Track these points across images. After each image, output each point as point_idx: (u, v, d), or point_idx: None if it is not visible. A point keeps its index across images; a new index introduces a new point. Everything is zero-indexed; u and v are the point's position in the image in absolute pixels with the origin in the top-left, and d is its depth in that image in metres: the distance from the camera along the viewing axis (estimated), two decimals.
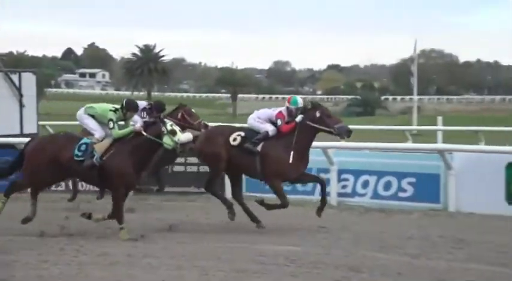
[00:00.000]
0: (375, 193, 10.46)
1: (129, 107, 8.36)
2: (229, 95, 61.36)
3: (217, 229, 8.66)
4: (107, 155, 7.99)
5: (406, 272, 6.51)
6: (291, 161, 8.32)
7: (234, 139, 8.57)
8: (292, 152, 8.35)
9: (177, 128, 8.03)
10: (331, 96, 73.78)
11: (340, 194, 10.56)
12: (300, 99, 8.78)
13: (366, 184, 10.53)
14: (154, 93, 55.75)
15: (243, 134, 8.60)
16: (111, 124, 8.16)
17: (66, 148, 8.11)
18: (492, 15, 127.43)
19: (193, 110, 10.22)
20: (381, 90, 77.81)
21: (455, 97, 71.72)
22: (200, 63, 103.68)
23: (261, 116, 8.74)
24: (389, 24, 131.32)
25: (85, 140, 8.19)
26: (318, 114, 8.42)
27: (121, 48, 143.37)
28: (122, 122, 8.43)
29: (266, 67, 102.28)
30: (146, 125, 8.17)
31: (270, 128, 8.54)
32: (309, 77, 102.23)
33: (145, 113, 10.30)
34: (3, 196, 8.30)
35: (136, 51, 56.33)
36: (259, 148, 8.45)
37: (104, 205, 8.86)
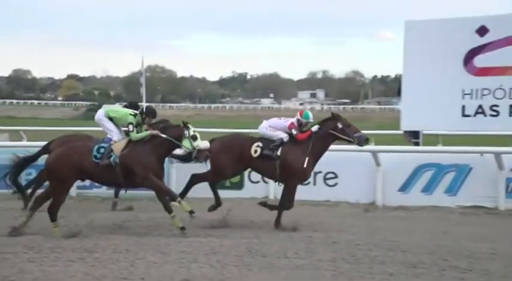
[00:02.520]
0: None
1: (149, 113, 7.67)
2: None
3: None
4: (130, 154, 7.23)
5: (133, 249, 6.46)
6: (305, 165, 7.80)
7: (255, 151, 7.93)
8: (307, 158, 7.83)
9: (198, 135, 7.39)
10: (72, 102, 70.87)
11: (78, 187, 10.02)
12: (311, 114, 8.20)
13: None
14: None
15: (261, 144, 7.98)
16: (130, 127, 7.41)
17: (87, 153, 7.28)
18: (201, 40, 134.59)
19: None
20: (116, 97, 76.63)
21: (175, 104, 73.78)
22: None
23: (273, 126, 8.13)
24: (122, 41, 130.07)
25: (103, 144, 7.39)
26: (340, 125, 7.89)
27: None
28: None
29: (6, 75, 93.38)
30: (166, 128, 7.45)
31: (284, 135, 7.99)
32: (49, 84, 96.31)
33: None
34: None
35: None
36: (278, 152, 7.90)
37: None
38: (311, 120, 8.14)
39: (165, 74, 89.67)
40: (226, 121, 39.02)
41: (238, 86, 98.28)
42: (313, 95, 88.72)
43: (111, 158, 7.24)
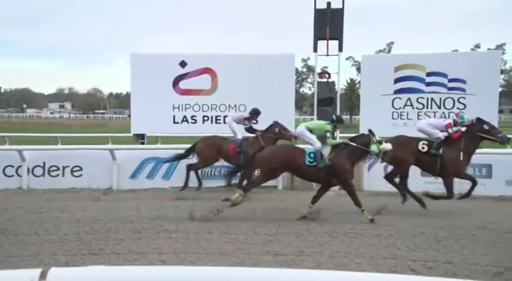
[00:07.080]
0: None
1: (339, 121, 7.21)
2: None
3: None
4: (334, 158, 6.74)
5: None
6: (461, 158, 7.11)
7: (423, 148, 7.23)
8: (461, 153, 7.13)
9: (382, 139, 6.82)
10: None
11: None
12: (466, 116, 7.43)
13: None
14: None
15: (426, 142, 7.27)
16: (328, 134, 6.89)
17: (298, 156, 6.78)
18: None
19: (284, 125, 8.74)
20: None
21: None
22: None
23: (432, 124, 7.45)
24: None
25: (311, 149, 6.84)
26: (486, 127, 7.16)
27: None
28: None
29: None
30: (355, 137, 6.93)
31: (441, 134, 7.29)
32: None
33: (247, 120, 8.71)
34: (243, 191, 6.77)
35: None
36: (440, 151, 7.18)
37: None
38: (465, 121, 7.41)
39: None
40: None
41: None
42: (62, 106, 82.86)
43: (325, 161, 6.74)
